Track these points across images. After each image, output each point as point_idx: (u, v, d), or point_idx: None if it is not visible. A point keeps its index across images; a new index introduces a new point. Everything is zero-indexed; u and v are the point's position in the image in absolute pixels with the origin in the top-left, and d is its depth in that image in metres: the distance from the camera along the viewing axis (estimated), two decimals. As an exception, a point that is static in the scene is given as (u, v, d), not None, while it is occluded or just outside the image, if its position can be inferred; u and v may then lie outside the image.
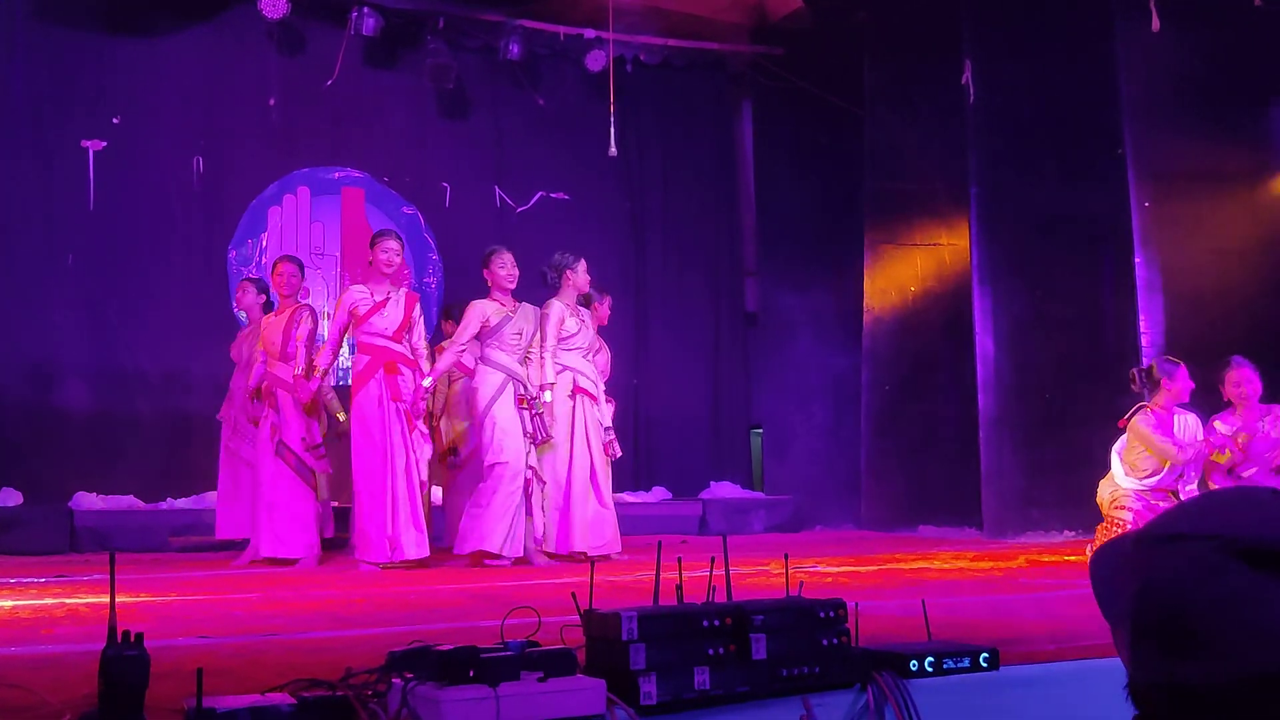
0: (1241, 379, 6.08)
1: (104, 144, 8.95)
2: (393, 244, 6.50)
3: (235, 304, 7.82)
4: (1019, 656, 2.88)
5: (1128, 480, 6.11)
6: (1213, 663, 0.82)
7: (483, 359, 6.61)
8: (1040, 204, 8.18)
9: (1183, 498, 5.98)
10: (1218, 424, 6.16)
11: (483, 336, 6.58)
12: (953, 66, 8.60)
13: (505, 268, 6.61)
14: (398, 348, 6.41)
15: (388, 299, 6.44)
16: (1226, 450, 5.99)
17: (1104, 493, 6.23)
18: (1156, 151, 7.56)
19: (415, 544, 6.28)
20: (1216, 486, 6.09)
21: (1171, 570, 0.86)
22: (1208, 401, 6.26)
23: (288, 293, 6.89)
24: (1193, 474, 6.03)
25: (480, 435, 6.57)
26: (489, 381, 6.55)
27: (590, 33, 9.92)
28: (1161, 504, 6.00)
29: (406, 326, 6.45)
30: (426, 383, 6.45)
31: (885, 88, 9.70)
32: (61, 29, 8.90)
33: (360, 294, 6.47)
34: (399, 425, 6.31)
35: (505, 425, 6.47)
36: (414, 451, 6.35)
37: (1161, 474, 6.02)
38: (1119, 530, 6.04)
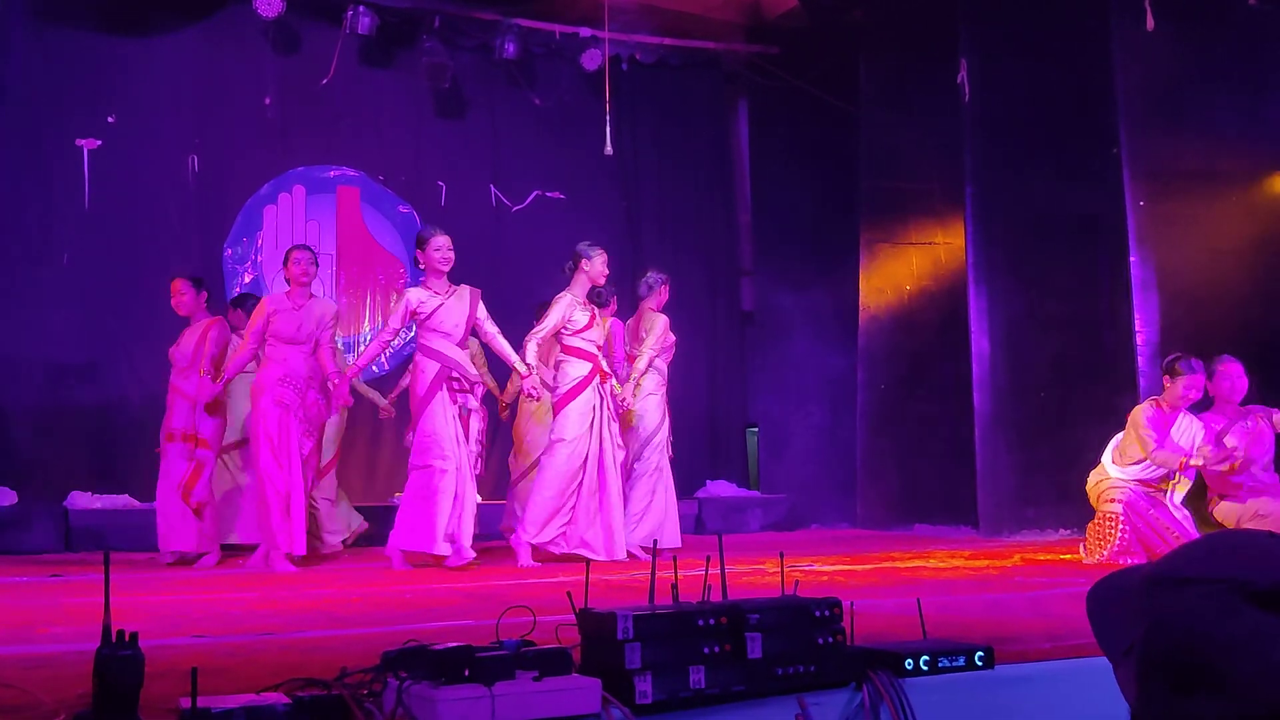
0: (1233, 374, 6.12)
1: (99, 143, 8.93)
2: (605, 256, 6.83)
3: (180, 307, 7.19)
4: (1014, 655, 2.89)
5: (1114, 468, 6.11)
6: (1225, 699, 0.85)
7: (655, 369, 7.32)
8: (1036, 203, 8.19)
9: (1172, 497, 5.99)
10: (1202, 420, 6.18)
11: (663, 349, 7.37)
12: (948, 65, 8.60)
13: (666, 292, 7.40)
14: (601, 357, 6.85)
15: (594, 312, 6.82)
16: (1232, 463, 5.99)
17: (1090, 483, 6.24)
18: (1152, 151, 7.56)
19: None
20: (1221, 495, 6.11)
21: (1184, 611, 0.89)
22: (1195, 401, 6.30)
23: (445, 269, 6.57)
24: (1187, 476, 6.03)
25: (652, 439, 7.22)
26: (660, 390, 7.36)
27: (586, 31, 9.91)
28: (1148, 493, 5.99)
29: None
30: (619, 387, 7.01)
31: (881, 87, 9.71)
32: (56, 27, 8.88)
33: (576, 304, 6.72)
34: (612, 428, 6.72)
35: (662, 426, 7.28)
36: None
37: (1144, 464, 6.02)
38: (1110, 524, 6.02)
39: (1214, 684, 0.85)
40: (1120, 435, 6.20)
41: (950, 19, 8.62)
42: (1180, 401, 6.01)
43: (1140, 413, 6.05)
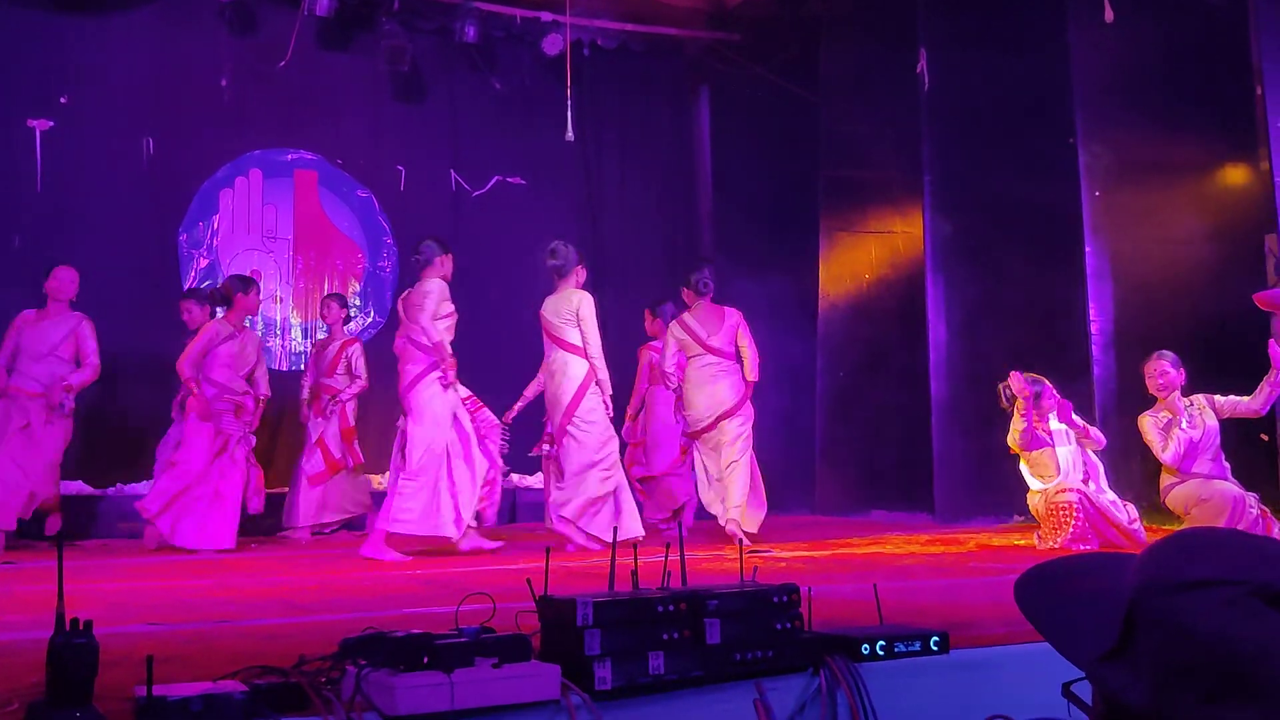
0: (1157, 371, 6.27)
1: (51, 124, 8.78)
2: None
3: (191, 323, 7.58)
4: (969, 640, 2.92)
5: (1038, 483, 6.47)
6: (1257, 707, 0.84)
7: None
8: (993, 192, 8.25)
9: (1095, 497, 6.24)
10: (1148, 418, 6.30)
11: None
12: (908, 55, 8.64)
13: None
14: None
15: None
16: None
17: (1032, 500, 6.53)
18: (1107, 142, 7.65)
19: None
20: (1173, 480, 6.24)
21: (1210, 617, 0.88)
22: (1143, 389, 6.44)
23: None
24: (1097, 478, 6.41)
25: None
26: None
27: (547, 16, 9.86)
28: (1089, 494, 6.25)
29: None
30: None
31: (841, 75, 9.74)
32: (7, 5, 8.71)
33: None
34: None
35: None
36: None
37: (1056, 479, 6.39)
38: (1065, 512, 6.19)
39: (1247, 692, 0.85)
40: (1023, 464, 6.59)
41: (910, 9, 8.66)
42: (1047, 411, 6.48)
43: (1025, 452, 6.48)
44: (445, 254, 6.46)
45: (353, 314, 9.89)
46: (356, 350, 8.02)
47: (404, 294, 6.57)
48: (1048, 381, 6.51)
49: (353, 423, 7.89)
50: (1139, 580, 0.94)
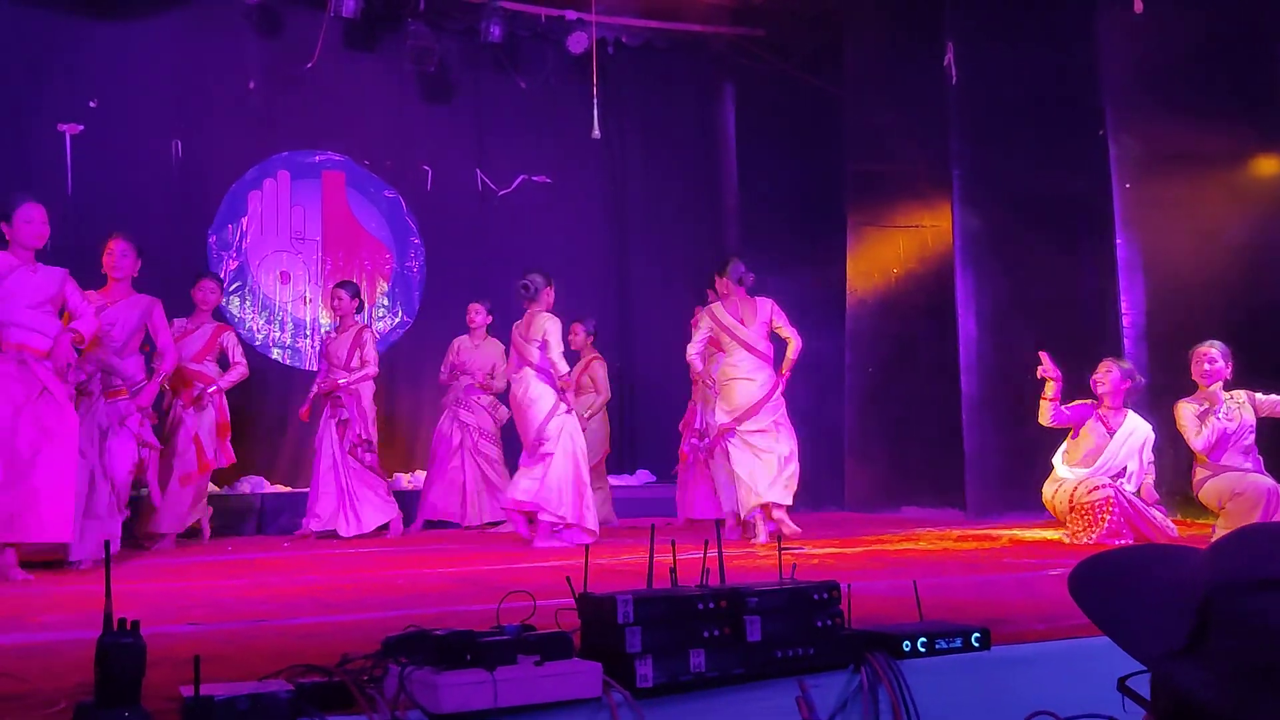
0: (1205, 358, 6.22)
1: (81, 128, 8.84)
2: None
3: (117, 269, 6.91)
4: (1009, 636, 2.90)
5: (1064, 469, 6.46)
6: None
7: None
8: (1022, 185, 8.20)
9: (1131, 496, 6.27)
10: (1186, 404, 6.25)
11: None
12: (934, 48, 8.59)
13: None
14: None
15: None
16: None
17: (1049, 492, 6.53)
18: (1137, 133, 7.59)
19: None
20: (1205, 472, 6.18)
21: None
22: (1178, 383, 6.39)
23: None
24: (1127, 479, 6.38)
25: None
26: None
27: (572, 14, 9.87)
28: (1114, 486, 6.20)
29: None
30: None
31: (866, 69, 9.68)
32: (37, 10, 8.78)
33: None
34: None
35: None
36: None
37: (1095, 466, 6.39)
38: (1100, 510, 6.12)
39: None
40: (1066, 442, 6.61)
41: (937, 1, 8.61)
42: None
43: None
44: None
45: (380, 313, 9.94)
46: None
47: (737, 316, 7.59)
48: (1118, 371, 6.55)
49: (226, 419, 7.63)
50: (1212, 577, 0.92)
